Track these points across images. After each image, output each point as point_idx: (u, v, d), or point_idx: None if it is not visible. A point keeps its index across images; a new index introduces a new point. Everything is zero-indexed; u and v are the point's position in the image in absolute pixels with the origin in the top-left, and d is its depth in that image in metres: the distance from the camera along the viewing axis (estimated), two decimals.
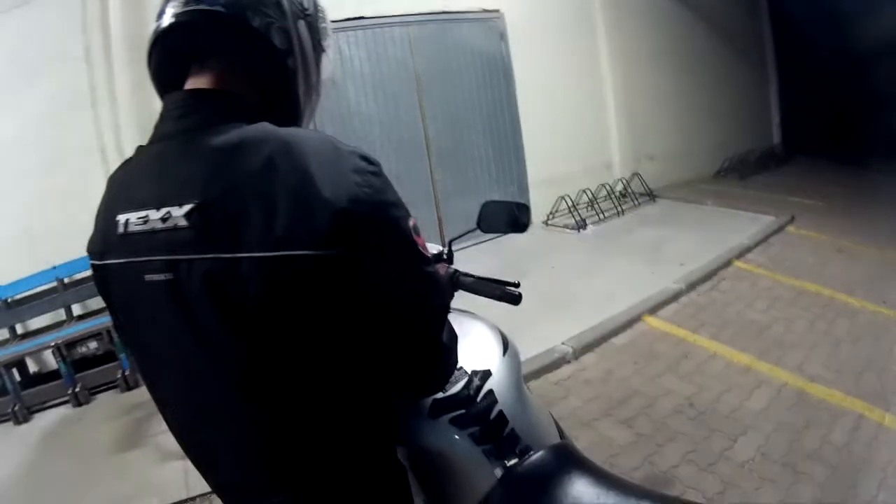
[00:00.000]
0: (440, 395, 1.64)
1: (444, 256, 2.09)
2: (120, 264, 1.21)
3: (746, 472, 3.56)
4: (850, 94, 13.74)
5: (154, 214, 1.12)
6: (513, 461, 1.57)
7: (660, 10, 11.59)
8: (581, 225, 9.11)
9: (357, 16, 7.96)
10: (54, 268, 5.73)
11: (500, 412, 1.65)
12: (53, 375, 5.39)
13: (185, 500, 3.65)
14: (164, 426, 1.39)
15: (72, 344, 5.32)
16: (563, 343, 5.24)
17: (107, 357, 5.43)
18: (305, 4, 1.34)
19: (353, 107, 8.12)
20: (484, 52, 9.21)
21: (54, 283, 5.83)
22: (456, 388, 1.67)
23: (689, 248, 7.66)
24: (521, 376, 1.85)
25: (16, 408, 5.06)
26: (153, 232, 1.12)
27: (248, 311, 1.07)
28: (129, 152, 1.31)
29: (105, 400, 5.37)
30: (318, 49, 1.39)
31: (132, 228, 1.16)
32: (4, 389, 5.12)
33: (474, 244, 7.99)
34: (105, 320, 5.22)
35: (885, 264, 7.09)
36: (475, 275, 2.00)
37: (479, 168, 9.35)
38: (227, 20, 1.19)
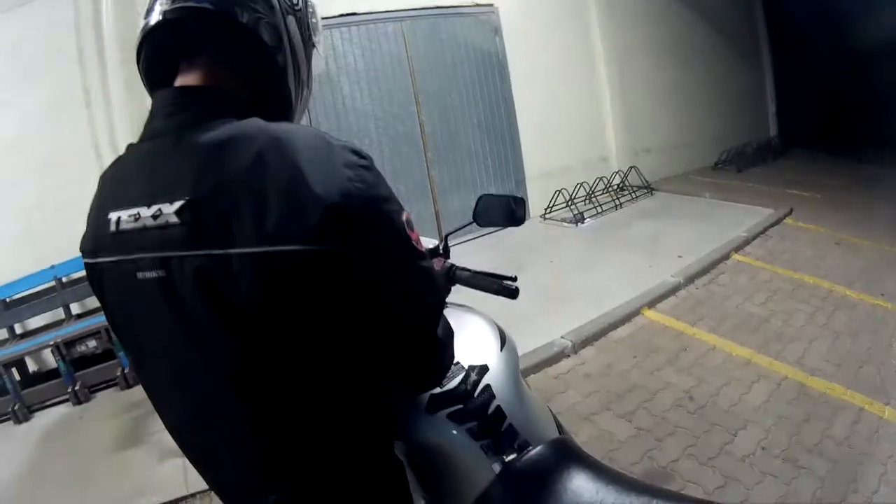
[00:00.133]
0: (437, 390, 1.63)
1: (441, 251, 2.06)
2: (112, 262, 1.20)
3: (747, 466, 3.55)
4: (845, 86, 13.74)
5: (145, 212, 1.11)
6: (511, 456, 1.56)
7: (654, 3, 11.59)
8: (579, 218, 9.10)
9: (350, 11, 7.96)
10: (52, 267, 5.73)
11: (498, 407, 1.64)
12: (53, 374, 5.39)
13: (185, 497, 3.65)
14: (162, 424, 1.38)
15: (71, 343, 5.31)
16: (562, 337, 5.23)
17: (106, 355, 5.42)
18: (294, 0, 1.33)
19: (348, 102, 8.11)
20: (478, 46, 9.19)
21: (52, 283, 5.82)
22: (453, 384, 1.66)
23: (688, 240, 7.65)
24: (519, 371, 1.84)
25: (16, 407, 5.05)
26: (145, 229, 1.11)
27: (240, 309, 1.06)
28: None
29: (105, 398, 5.36)
30: (309, 44, 1.39)
31: (124, 226, 1.15)
32: (4, 389, 5.11)
33: (472, 239, 7.99)
34: (104, 319, 5.16)
35: (883, 257, 7.10)
36: (472, 269, 1.98)
37: (475, 163, 9.33)
38: (215, 17, 1.18)
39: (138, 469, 3.99)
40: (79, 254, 1.30)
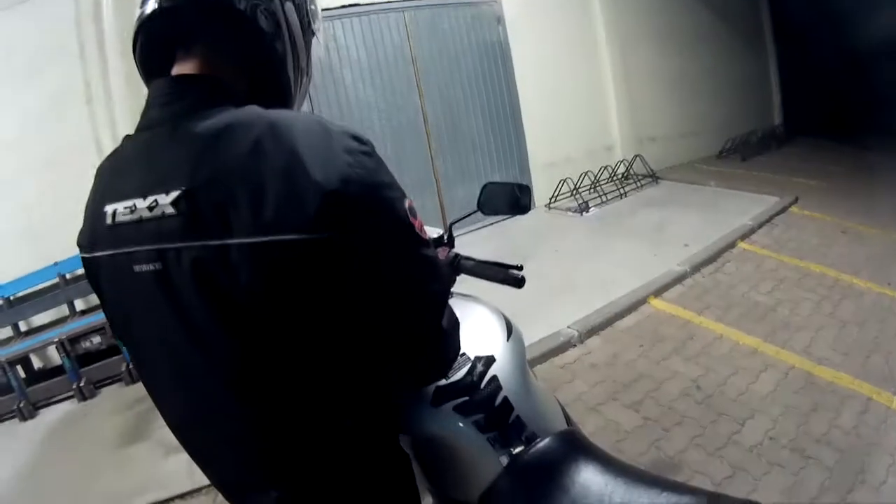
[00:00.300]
0: (443, 382, 1.60)
1: (445, 240, 2.04)
2: (109, 256, 1.19)
3: (755, 456, 3.53)
4: (850, 74, 13.70)
5: (141, 203, 1.09)
6: (519, 449, 1.54)
7: None
8: (584, 208, 9.08)
9: (352, 2, 7.94)
10: (56, 264, 5.76)
11: (505, 398, 1.62)
12: (58, 371, 5.39)
13: (191, 493, 3.67)
14: None
15: (75, 339, 5.31)
16: (568, 327, 5.21)
17: (110, 351, 5.42)
18: None
19: (351, 94, 8.10)
20: (481, 36, 9.17)
21: (56, 280, 5.86)
22: (459, 375, 1.63)
23: (693, 229, 7.63)
24: (526, 361, 1.81)
25: (21, 404, 5.05)
26: (141, 221, 1.10)
27: (238, 301, 1.05)
28: None
29: (110, 394, 5.37)
30: (308, 31, 1.36)
31: (120, 219, 1.13)
32: (9, 386, 5.11)
33: (477, 228, 8.00)
34: None
35: (890, 245, 7.06)
36: (477, 258, 1.96)
37: (479, 153, 9.32)
38: (212, 4, 1.17)
39: (143, 465, 4.01)
40: (82, 259, 1.29)
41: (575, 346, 5.09)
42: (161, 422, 1.38)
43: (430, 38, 8.69)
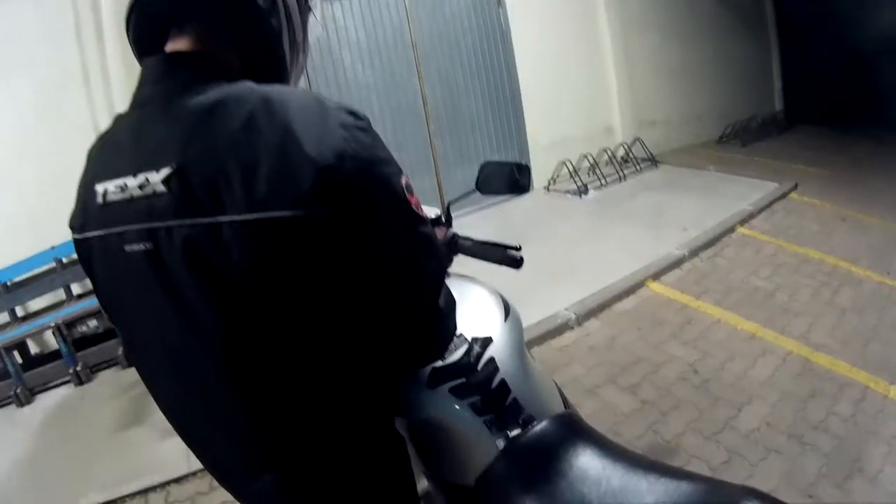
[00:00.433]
0: (439, 363, 1.59)
1: (443, 220, 2.01)
2: (100, 236, 1.17)
3: (752, 442, 3.53)
4: (852, 62, 13.70)
5: (132, 182, 1.07)
6: (515, 432, 1.51)
7: None
8: (583, 190, 9.05)
9: None
10: (52, 248, 5.72)
11: (502, 381, 1.59)
12: (55, 356, 5.35)
13: (186, 476, 3.68)
14: None
15: (71, 323, 5.27)
16: (565, 309, 5.19)
17: (107, 335, 5.38)
18: None
19: (350, 75, 8.06)
20: (481, 17, 9.11)
21: (53, 264, 5.82)
22: (456, 356, 1.61)
23: (692, 213, 7.61)
24: (524, 343, 1.78)
25: (18, 390, 5.01)
26: (132, 200, 1.07)
27: (230, 280, 1.02)
28: None
29: (106, 378, 5.34)
30: (304, 7, 1.34)
31: (111, 198, 1.11)
32: (6, 372, 5.08)
33: (475, 210, 7.98)
34: None
35: (890, 235, 7.05)
36: (475, 238, 1.94)
37: (478, 134, 9.30)
38: None
39: (140, 448, 3.99)
40: (74, 241, 1.27)
41: (572, 328, 5.07)
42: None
43: (430, 19, 8.64)
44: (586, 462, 1.39)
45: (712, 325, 4.97)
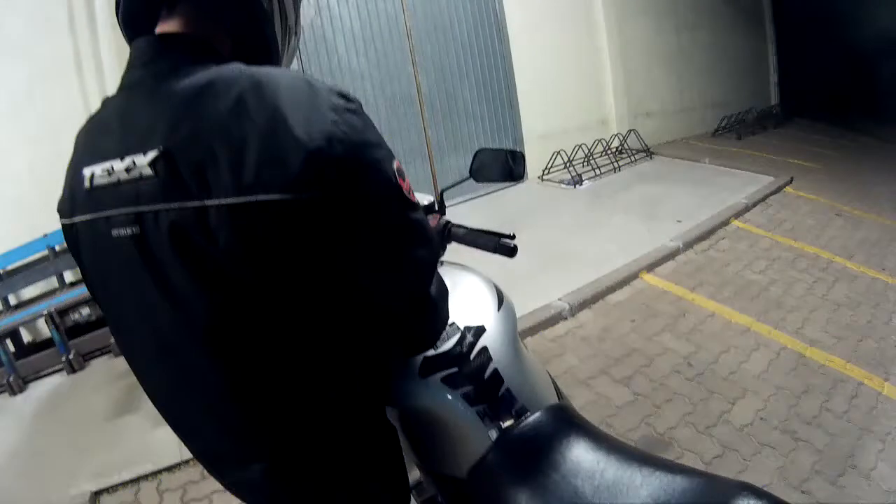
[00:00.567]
0: (431, 352, 1.55)
1: (437, 207, 1.98)
2: (87, 221, 1.13)
3: (745, 436, 3.51)
4: (848, 58, 13.75)
5: (119, 165, 1.04)
6: (508, 423, 1.48)
7: None
8: (577, 180, 9.05)
9: None
10: (45, 236, 5.69)
11: (495, 371, 1.56)
12: (47, 344, 5.32)
13: (178, 465, 3.65)
14: None
15: (64, 311, 5.22)
16: (559, 299, 5.17)
17: (100, 323, 5.34)
18: None
19: (344, 63, 8.04)
20: (477, 6, 9.12)
21: (46, 252, 5.79)
22: (448, 345, 1.57)
23: (687, 205, 7.62)
24: (517, 333, 1.75)
25: (10, 379, 4.96)
26: (119, 184, 1.04)
27: (217, 266, 0.98)
28: None
29: (99, 366, 5.31)
30: None
31: (98, 182, 1.07)
32: None
33: (467, 199, 7.98)
34: None
35: (885, 230, 7.08)
36: (468, 226, 1.90)
37: (472, 123, 9.31)
38: None
39: (132, 437, 3.96)
40: (62, 226, 1.25)
41: (566, 318, 5.05)
42: None
43: (425, 7, 8.63)
44: (580, 454, 1.36)
45: (706, 318, 4.95)
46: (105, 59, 5.98)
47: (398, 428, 1.53)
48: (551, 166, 9.50)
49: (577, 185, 8.98)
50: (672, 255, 6.24)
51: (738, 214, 7.42)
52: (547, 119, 9.79)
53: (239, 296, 1.01)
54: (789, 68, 14.88)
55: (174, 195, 0.98)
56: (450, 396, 1.51)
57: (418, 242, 1.15)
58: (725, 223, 7.13)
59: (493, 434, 1.47)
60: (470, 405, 1.50)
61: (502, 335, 1.65)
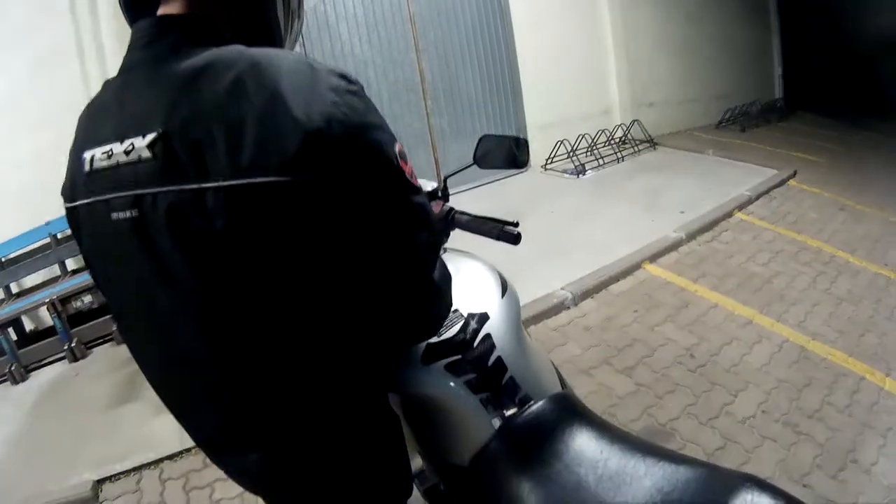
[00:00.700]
0: (434, 339, 1.54)
1: (440, 194, 1.96)
2: (88, 205, 1.12)
3: (747, 428, 3.51)
4: (852, 52, 13.72)
5: (118, 147, 1.03)
6: (512, 411, 1.48)
7: None
8: (580, 170, 9.03)
9: None
10: (47, 224, 5.67)
11: (499, 358, 1.55)
12: (49, 332, 5.32)
13: (180, 453, 3.65)
14: None
15: (66, 299, 5.22)
16: (562, 288, 5.17)
17: (102, 310, 5.34)
18: None
19: (347, 49, 8.04)
20: None
21: (47, 240, 5.77)
22: (451, 332, 1.57)
23: (690, 197, 7.60)
24: (521, 321, 1.74)
25: (12, 367, 4.96)
26: (118, 166, 1.03)
27: (214, 249, 0.98)
28: None
29: (101, 354, 5.31)
30: None
31: (97, 165, 1.07)
32: (1, 350, 5.02)
33: (471, 188, 7.97)
34: None
35: (887, 226, 7.06)
36: (472, 213, 1.89)
37: (475, 111, 9.30)
38: None
39: (133, 425, 3.96)
40: (65, 210, 1.24)
41: (568, 308, 5.04)
42: None
43: None
44: (583, 444, 1.36)
45: (709, 310, 4.94)
46: (107, 45, 5.98)
47: (400, 415, 1.50)
48: (554, 156, 9.47)
49: (581, 175, 8.95)
50: (675, 245, 6.23)
51: (741, 206, 7.39)
52: (550, 108, 9.75)
53: (235, 280, 1.01)
54: (794, 62, 14.86)
55: (172, 178, 0.97)
56: (453, 384, 1.50)
57: (420, 226, 1.14)
58: (729, 215, 7.11)
59: (497, 422, 1.46)
60: (473, 393, 1.49)
61: (506, 323, 1.64)
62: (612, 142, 10.08)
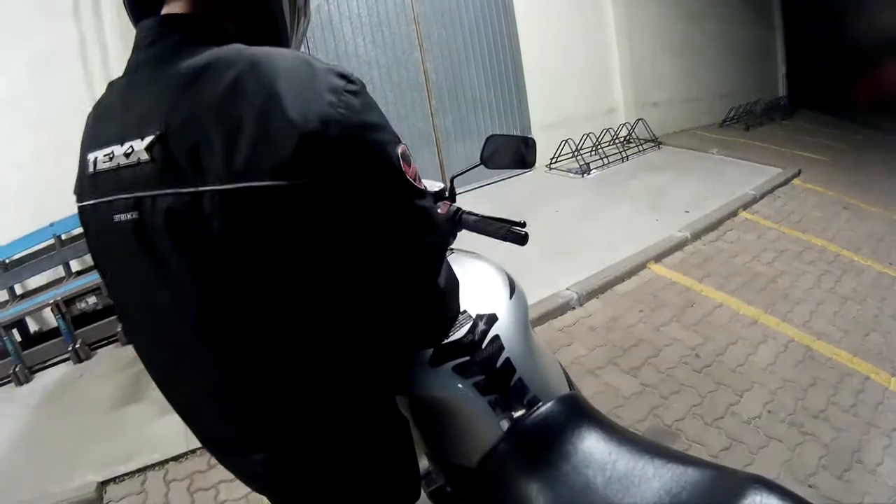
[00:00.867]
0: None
1: (446, 195, 1.96)
2: (93, 205, 1.13)
3: (752, 429, 3.51)
4: (857, 50, 13.69)
5: (119, 150, 1.04)
6: (520, 413, 1.47)
7: None
8: (585, 169, 9.02)
9: None
10: (51, 224, 5.67)
11: (507, 360, 1.54)
12: (54, 333, 5.31)
13: (185, 454, 3.65)
14: None
15: (70, 300, 5.21)
16: (567, 288, 5.16)
17: (106, 312, 5.34)
18: None
19: (350, 49, 8.02)
20: None
21: (52, 241, 5.76)
22: (460, 334, 1.55)
23: (695, 196, 7.59)
24: (529, 321, 1.73)
25: (17, 369, 4.96)
26: (119, 168, 1.04)
27: (212, 253, 0.97)
28: None
29: (105, 355, 5.31)
30: None
31: (100, 166, 1.08)
32: (5, 351, 5.02)
33: (475, 188, 7.94)
34: None
35: (891, 224, 7.05)
36: (479, 213, 1.88)
37: (480, 111, 9.27)
38: None
39: (138, 426, 3.96)
40: (76, 209, 1.23)
41: (574, 308, 5.04)
42: None
43: None
44: (592, 445, 1.35)
45: (714, 310, 4.94)
46: (110, 45, 5.97)
47: (409, 417, 1.51)
48: (559, 155, 9.46)
49: (585, 175, 8.94)
50: (680, 245, 6.23)
51: (745, 206, 7.39)
52: (554, 107, 9.74)
53: (233, 283, 1.00)
54: (797, 59, 14.84)
55: (170, 180, 0.97)
56: (461, 385, 1.49)
57: (424, 230, 1.12)
58: (733, 214, 7.10)
59: (505, 424, 1.45)
60: (481, 394, 1.48)
61: (514, 324, 1.63)
62: (617, 141, 10.07)
